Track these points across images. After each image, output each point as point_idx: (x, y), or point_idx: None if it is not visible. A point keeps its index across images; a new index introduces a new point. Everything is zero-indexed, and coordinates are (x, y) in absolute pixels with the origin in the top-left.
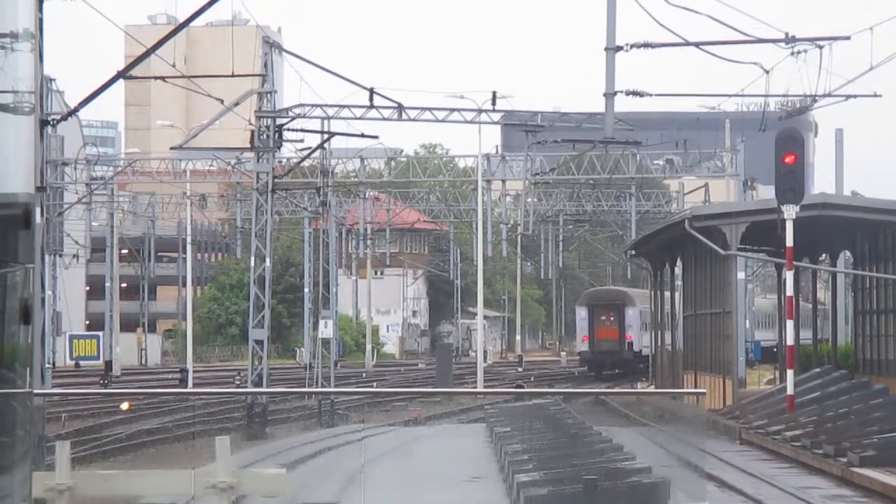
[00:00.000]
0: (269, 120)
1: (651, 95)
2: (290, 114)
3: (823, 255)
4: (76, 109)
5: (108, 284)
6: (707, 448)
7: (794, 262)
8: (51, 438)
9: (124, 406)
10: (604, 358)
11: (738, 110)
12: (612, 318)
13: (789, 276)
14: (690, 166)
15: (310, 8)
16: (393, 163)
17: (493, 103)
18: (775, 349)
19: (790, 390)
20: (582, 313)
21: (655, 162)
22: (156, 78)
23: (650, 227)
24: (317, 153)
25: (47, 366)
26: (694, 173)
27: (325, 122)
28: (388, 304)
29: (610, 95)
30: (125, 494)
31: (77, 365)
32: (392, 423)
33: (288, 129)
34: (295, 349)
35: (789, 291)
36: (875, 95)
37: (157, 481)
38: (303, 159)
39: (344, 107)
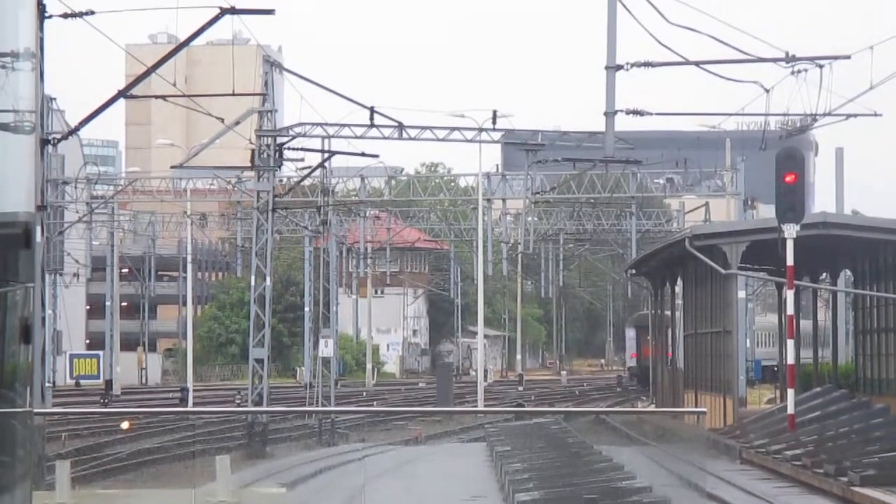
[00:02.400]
0: (270, 139)
1: (651, 114)
2: (291, 132)
3: (824, 273)
4: (77, 128)
5: (108, 303)
6: (707, 467)
7: (795, 281)
8: (51, 458)
9: (124, 425)
10: (649, 372)
11: (738, 129)
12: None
13: (790, 295)
14: (691, 185)
15: (310, 27)
16: (393, 181)
17: (494, 122)
18: (776, 368)
19: (791, 409)
20: (630, 333)
21: (656, 181)
22: (156, 97)
23: (650, 246)
24: (317, 172)
25: (47, 385)
26: (694, 192)
27: (326, 140)
28: (388, 323)
29: (610, 114)
30: None
31: (77, 384)
32: (392, 443)
33: (288, 148)
34: (295, 368)
35: (790, 310)
36: (875, 114)
37: (157, 500)
38: (303, 178)
39: (344, 126)
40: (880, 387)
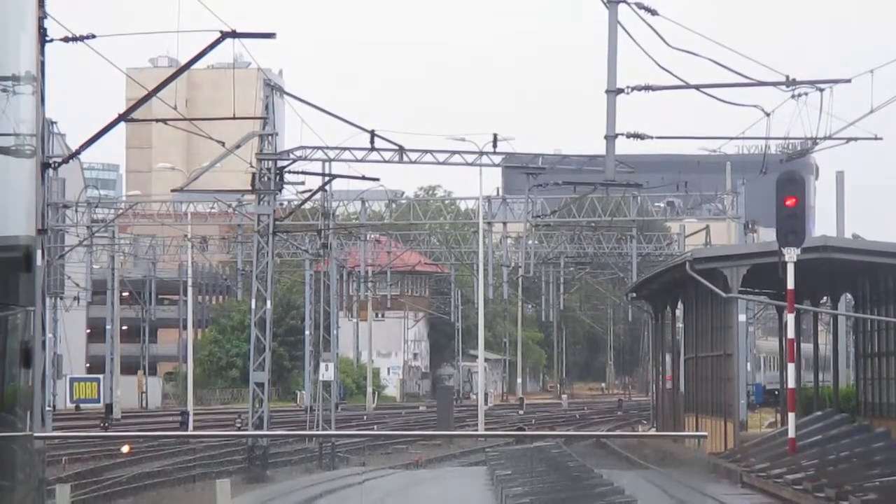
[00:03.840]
0: (271, 162)
1: (652, 138)
2: (292, 156)
3: (824, 297)
4: (77, 152)
5: (108, 327)
6: (708, 491)
7: (796, 305)
8: (51, 482)
9: (125, 449)
10: None
11: (738, 153)
12: None
13: (790, 318)
14: (691, 209)
15: (311, 51)
16: (394, 205)
17: (494, 146)
18: (777, 392)
19: (791, 433)
20: (668, 358)
21: (656, 204)
22: (157, 120)
23: (651, 270)
24: (318, 195)
25: (48, 409)
26: (695, 216)
27: (326, 164)
28: (388, 347)
29: (611, 138)
30: None
31: (77, 408)
32: (393, 466)
33: (289, 172)
34: (296, 392)
35: (790, 334)
36: (876, 138)
37: None
38: (304, 202)
39: (345, 149)
40: (881, 411)
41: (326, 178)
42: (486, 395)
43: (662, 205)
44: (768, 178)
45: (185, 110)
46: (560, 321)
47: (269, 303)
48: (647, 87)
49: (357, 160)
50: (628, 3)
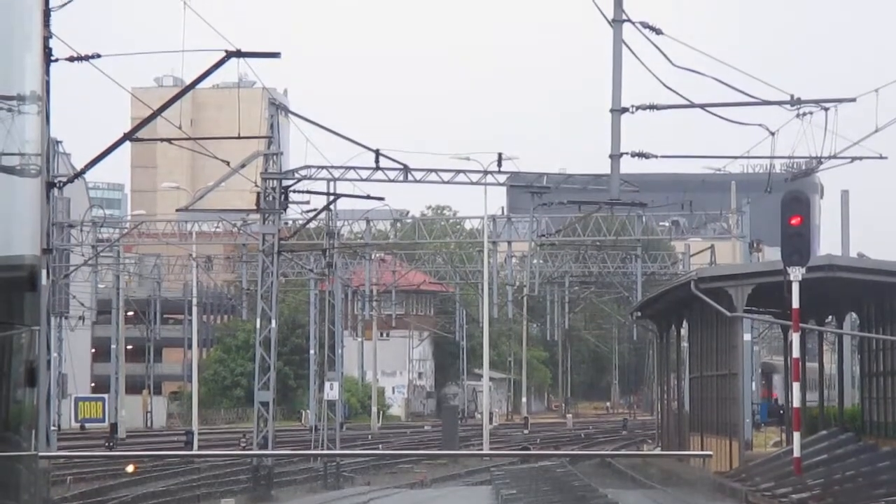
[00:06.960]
0: (275, 181)
1: (657, 157)
2: (296, 175)
3: (830, 316)
4: (82, 171)
5: (113, 346)
6: None
7: (801, 324)
8: (56, 501)
9: (130, 468)
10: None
11: (743, 172)
12: (763, 382)
13: (795, 338)
14: (696, 228)
15: (315, 70)
16: (399, 224)
17: (499, 165)
18: (782, 411)
19: (797, 453)
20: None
21: (661, 223)
22: (162, 140)
23: (656, 289)
24: (323, 215)
25: (52, 428)
26: (699, 235)
27: (331, 183)
28: (393, 366)
29: (615, 157)
30: None
31: (82, 427)
32: (398, 486)
33: (294, 191)
34: (301, 411)
35: (796, 353)
36: (881, 157)
37: None
38: (308, 221)
39: (350, 168)
40: (887, 430)
41: (331, 198)
42: (490, 414)
43: (667, 224)
44: (773, 198)
45: (190, 130)
46: (565, 340)
47: (273, 322)
48: (652, 107)
49: (362, 179)
50: (633, 23)
